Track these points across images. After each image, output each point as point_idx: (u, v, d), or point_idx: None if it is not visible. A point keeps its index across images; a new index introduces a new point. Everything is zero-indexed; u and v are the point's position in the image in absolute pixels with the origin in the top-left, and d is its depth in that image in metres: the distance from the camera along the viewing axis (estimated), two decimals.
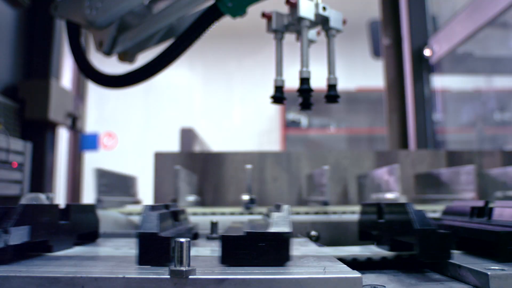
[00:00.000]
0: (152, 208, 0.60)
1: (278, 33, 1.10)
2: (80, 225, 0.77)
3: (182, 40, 1.11)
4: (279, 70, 1.09)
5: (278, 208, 0.73)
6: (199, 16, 1.09)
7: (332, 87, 1.04)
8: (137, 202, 1.38)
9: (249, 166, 1.04)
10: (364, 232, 0.82)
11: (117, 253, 0.68)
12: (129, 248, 0.73)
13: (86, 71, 1.27)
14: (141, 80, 1.17)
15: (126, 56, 1.28)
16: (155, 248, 0.53)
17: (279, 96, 1.07)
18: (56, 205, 0.71)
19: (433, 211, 1.05)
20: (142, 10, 1.28)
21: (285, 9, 1.06)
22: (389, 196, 1.09)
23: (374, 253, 0.67)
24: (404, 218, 0.61)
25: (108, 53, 1.23)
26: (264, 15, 1.08)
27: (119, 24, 1.21)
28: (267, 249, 0.53)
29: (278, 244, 0.53)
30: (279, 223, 0.56)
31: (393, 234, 0.66)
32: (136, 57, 1.32)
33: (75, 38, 1.25)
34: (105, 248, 0.75)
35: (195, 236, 0.81)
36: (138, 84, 1.16)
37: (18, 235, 0.56)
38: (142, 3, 1.23)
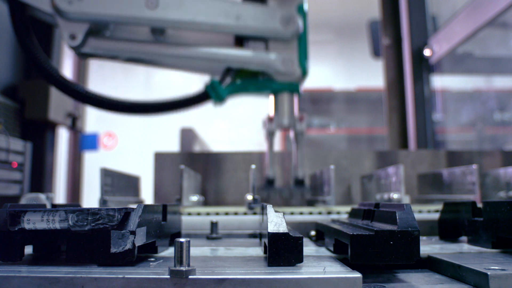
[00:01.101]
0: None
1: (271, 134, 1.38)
2: (172, 225, 0.78)
3: (169, 105, 1.33)
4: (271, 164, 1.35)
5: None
6: (190, 96, 1.37)
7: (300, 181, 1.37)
8: (140, 202, 1.38)
9: (253, 166, 1.04)
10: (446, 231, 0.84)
11: (216, 253, 0.70)
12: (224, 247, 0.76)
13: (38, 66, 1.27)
14: (111, 109, 1.26)
15: (86, 57, 1.29)
16: (286, 248, 0.54)
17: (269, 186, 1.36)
18: (159, 205, 0.71)
19: (436, 211, 1.05)
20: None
21: None
22: (393, 196, 1.09)
23: None
24: None
25: (76, 48, 1.24)
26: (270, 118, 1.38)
27: (94, 25, 1.23)
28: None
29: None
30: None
31: (498, 231, 0.67)
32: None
33: (20, 20, 1.25)
34: (198, 248, 0.76)
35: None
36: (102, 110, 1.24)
37: (140, 236, 0.56)
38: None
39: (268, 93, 1.38)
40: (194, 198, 1.21)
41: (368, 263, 0.54)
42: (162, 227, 0.70)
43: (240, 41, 1.33)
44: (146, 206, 0.60)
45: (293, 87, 1.34)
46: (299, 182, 1.36)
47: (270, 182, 1.39)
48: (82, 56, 1.28)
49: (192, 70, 1.41)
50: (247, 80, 1.33)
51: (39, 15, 1.25)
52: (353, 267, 0.52)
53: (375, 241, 0.54)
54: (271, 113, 1.38)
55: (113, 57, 1.29)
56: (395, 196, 1.08)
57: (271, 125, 1.36)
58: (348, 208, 1.12)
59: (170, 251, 0.71)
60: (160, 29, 1.28)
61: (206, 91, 1.33)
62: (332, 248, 0.68)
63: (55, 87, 1.23)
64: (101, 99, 1.24)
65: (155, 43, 1.29)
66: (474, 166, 1.07)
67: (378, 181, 1.26)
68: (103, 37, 1.26)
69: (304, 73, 1.32)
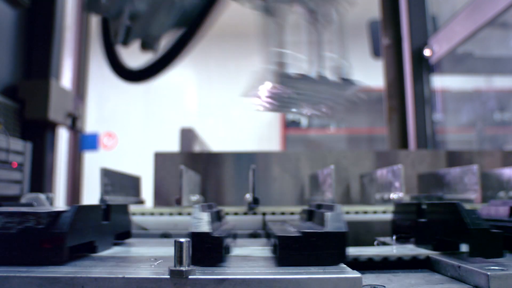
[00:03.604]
0: (201, 208, 0.61)
1: None
2: (117, 225, 0.78)
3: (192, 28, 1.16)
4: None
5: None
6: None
7: None
8: (141, 202, 1.38)
9: (253, 166, 1.04)
10: (398, 232, 0.83)
11: (158, 252, 0.69)
12: (166, 247, 0.74)
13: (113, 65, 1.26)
14: (158, 72, 1.19)
15: (146, 46, 1.26)
16: (207, 248, 0.53)
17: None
18: (100, 206, 0.71)
19: (383, 212, 1.06)
20: None
21: None
22: (393, 196, 1.09)
23: (376, 253, 0.67)
24: (453, 217, 0.61)
25: (123, 43, 1.22)
26: None
27: (131, 13, 1.19)
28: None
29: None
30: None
31: (439, 233, 0.67)
32: (157, 46, 1.30)
33: (106, 32, 1.24)
34: (140, 248, 0.76)
35: (234, 236, 0.82)
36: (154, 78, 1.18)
37: (73, 237, 0.57)
38: None
39: None
40: (194, 198, 1.21)
41: (295, 265, 0.53)
42: (103, 227, 0.70)
43: None
44: (82, 207, 0.60)
45: None
46: None
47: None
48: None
49: None
50: None
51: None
52: (353, 267, 0.52)
53: (302, 242, 0.53)
54: None
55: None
56: (395, 196, 1.08)
57: None
58: (348, 208, 1.12)
59: (113, 251, 0.70)
60: None
61: None
62: (272, 249, 0.68)
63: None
64: None
65: None
66: (475, 166, 1.07)
67: (377, 180, 1.26)
68: None
69: None
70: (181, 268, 0.46)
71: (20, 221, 0.54)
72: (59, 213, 0.57)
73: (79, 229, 0.59)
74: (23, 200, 0.96)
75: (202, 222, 0.56)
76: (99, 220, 0.68)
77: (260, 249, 0.71)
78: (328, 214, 0.56)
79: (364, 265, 0.65)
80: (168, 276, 0.46)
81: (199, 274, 0.47)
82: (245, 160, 1.57)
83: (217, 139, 4.61)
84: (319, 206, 0.70)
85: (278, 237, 0.54)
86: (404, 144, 2.72)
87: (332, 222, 0.55)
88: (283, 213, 1.08)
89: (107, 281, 0.47)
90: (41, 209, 0.59)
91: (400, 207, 0.86)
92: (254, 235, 0.99)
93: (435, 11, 2.93)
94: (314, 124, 5.22)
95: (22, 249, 0.54)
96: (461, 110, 3.45)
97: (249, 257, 0.62)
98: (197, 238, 0.53)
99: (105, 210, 0.72)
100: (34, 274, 0.47)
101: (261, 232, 0.99)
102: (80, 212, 0.59)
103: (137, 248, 0.75)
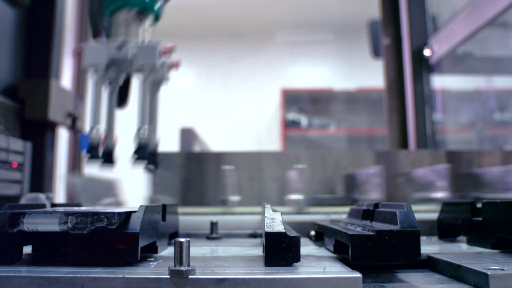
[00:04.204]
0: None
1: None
2: (171, 225, 0.78)
3: None
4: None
5: None
6: None
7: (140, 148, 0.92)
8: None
9: (228, 167, 1.04)
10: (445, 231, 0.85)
11: (216, 253, 0.70)
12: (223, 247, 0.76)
13: None
14: None
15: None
16: (283, 247, 0.53)
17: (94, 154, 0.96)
18: (160, 206, 0.71)
19: (434, 211, 1.06)
20: None
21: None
22: (436, 195, 1.09)
23: None
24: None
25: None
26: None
27: None
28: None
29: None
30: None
31: (498, 232, 0.67)
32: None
33: None
34: (198, 248, 0.76)
35: None
36: None
37: (143, 237, 0.57)
38: None
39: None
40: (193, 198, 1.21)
41: (369, 263, 0.54)
42: (162, 227, 0.70)
43: None
44: (148, 207, 0.60)
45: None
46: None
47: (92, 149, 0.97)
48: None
49: None
50: None
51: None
52: (353, 267, 0.52)
53: (375, 241, 0.54)
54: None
55: None
56: (438, 195, 1.08)
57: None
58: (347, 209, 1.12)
59: (169, 251, 0.71)
60: None
61: None
62: (331, 248, 0.68)
63: None
64: None
65: None
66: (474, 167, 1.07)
67: (416, 180, 1.26)
68: None
69: None
70: (181, 268, 0.46)
71: (92, 221, 0.54)
72: (129, 213, 0.57)
73: (147, 229, 0.60)
74: (23, 200, 0.96)
75: (276, 222, 0.56)
76: (159, 220, 0.69)
77: (316, 249, 0.73)
78: (400, 213, 0.56)
79: (364, 265, 0.65)
80: (168, 276, 0.46)
81: (199, 274, 0.47)
82: (245, 160, 1.57)
83: (217, 139, 4.61)
84: (377, 205, 0.69)
85: (351, 236, 0.54)
86: (404, 144, 2.72)
87: (404, 220, 0.55)
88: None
89: (107, 281, 0.47)
90: (112, 209, 0.58)
91: (449, 206, 0.86)
92: (254, 235, 0.99)
93: (435, 11, 2.93)
94: (314, 124, 5.22)
95: (94, 249, 0.54)
96: (461, 110, 3.45)
97: (312, 256, 0.63)
98: (273, 238, 0.53)
99: (163, 210, 0.72)
100: (34, 274, 0.47)
101: (261, 232, 0.99)
102: (147, 212, 0.59)
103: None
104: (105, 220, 0.54)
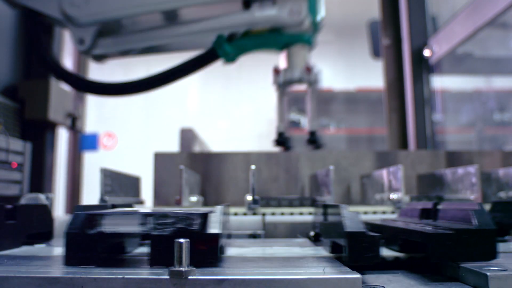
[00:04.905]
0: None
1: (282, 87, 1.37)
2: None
3: (177, 71, 1.27)
4: (281, 117, 1.34)
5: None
6: (198, 55, 1.30)
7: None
8: (140, 202, 1.38)
9: (253, 167, 1.04)
10: None
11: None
12: None
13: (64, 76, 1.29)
14: (133, 92, 1.26)
15: (101, 58, 1.30)
16: (364, 247, 0.54)
17: (281, 141, 1.34)
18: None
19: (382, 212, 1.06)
20: (129, 21, 1.31)
21: None
22: (393, 196, 1.09)
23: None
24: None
25: (86, 52, 1.25)
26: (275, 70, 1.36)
27: (102, 26, 1.23)
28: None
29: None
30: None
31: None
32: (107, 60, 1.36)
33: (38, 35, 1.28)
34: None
35: None
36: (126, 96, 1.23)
37: (223, 237, 0.58)
38: (132, 16, 1.26)
39: (280, 47, 1.32)
40: (194, 198, 1.21)
41: (447, 261, 0.54)
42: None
43: (248, 3, 1.28)
44: (223, 208, 0.61)
45: (303, 39, 1.27)
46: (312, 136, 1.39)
47: (281, 136, 1.37)
48: (97, 59, 1.28)
49: (206, 45, 1.36)
50: (253, 36, 1.28)
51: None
52: (352, 267, 0.52)
53: (454, 239, 0.54)
54: (282, 66, 1.34)
55: (126, 52, 1.28)
56: (395, 196, 1.08)
57: (279, 78, 1.34)
58: (355, 209, 1.12)
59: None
60: (173, 11, 1.26)
61: (213, 48, 1.30)
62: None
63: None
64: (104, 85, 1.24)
65: (168, 26, 1.28)
66: (474, 166, 1.07)
67: (377, 181, 1.26)
68: (113, 34, 1.26)
69: (315, 24, 1.25)
70: (181, 269, 0.46)
71: (172, 222, 0.54)
72: (207, 213, 0.56)
73: (223, 230, 0.60)
74: (22, 201, 0.96)
75: (355, 221, 0.56)
76: (227, 221, 0.70)
77: (315, 249, 0.73)
78: (475, 212, 0.56)
79: (363, 265, 0.65)
80: (168, 277, 0.46)
81: (199, 274, 0.47)
82: (245, 160, 1.57)
83: (217, 139, 4.61)
84: (437, 204, 0.69)
85: (429, 234, 0.54)
86: (404, 144, 2.72)
87: (480, 219, 0.56)
88: (282, 214, 1.08)
89: (107, 281, 0.47)
90: (191, 210, 0.58)
91: (501, 205, 0.85)
92: (254, 236, 0.99)
93: (435, 11, 2.94)
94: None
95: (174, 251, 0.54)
96: (461, 111, 3.45)
97: (312, 257, 0.64)
98: (354, 237, 0.53)
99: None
100: (34, 275, 0.47)
101: (261, 233, 0.99)
102: (222, 213, 0.59)
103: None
104: (187, 221, 0.54)
